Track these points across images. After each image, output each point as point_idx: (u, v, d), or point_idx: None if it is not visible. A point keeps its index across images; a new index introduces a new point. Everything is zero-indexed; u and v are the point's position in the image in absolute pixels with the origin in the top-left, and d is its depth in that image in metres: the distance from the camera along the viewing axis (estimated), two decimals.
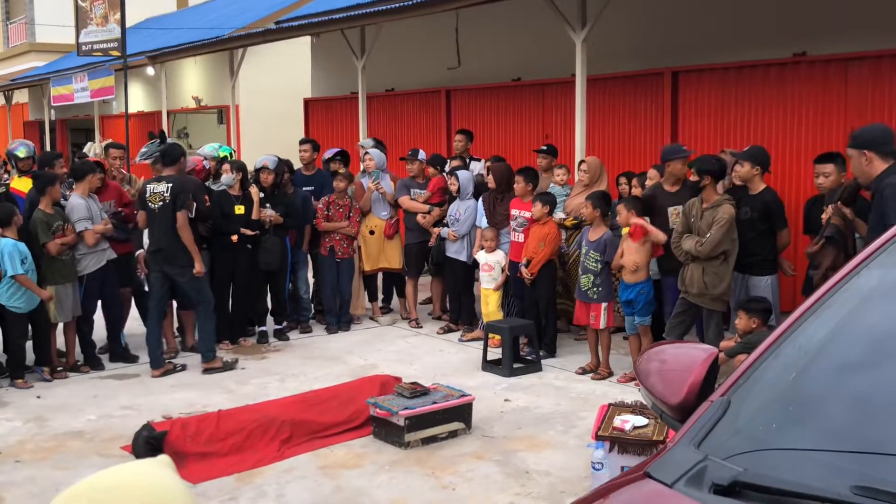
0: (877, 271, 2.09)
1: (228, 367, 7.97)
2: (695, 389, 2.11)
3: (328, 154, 10.36)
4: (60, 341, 8.07)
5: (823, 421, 1.86)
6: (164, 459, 1.47)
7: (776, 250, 7.00)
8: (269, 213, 8.62)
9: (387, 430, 6.04)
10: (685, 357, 2.27)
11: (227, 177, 8.53)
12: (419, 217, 9.30)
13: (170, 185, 7.68)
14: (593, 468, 5.02)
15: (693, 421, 1.96)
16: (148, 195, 7.74)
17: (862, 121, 8.20)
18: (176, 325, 8.79)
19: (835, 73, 8.46)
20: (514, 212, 8.34)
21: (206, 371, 7.86)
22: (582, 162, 8.69)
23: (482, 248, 8.54)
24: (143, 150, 8.53)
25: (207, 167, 8.93)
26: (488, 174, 8.87)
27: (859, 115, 8.24)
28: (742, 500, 1.68)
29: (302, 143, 10.15)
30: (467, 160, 10.27)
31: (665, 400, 2.16)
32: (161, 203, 7.66)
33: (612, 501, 1.88)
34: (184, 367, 7.98)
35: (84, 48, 16.56)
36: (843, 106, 8.37)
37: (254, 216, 8.51)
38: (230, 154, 9.44)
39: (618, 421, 5.20)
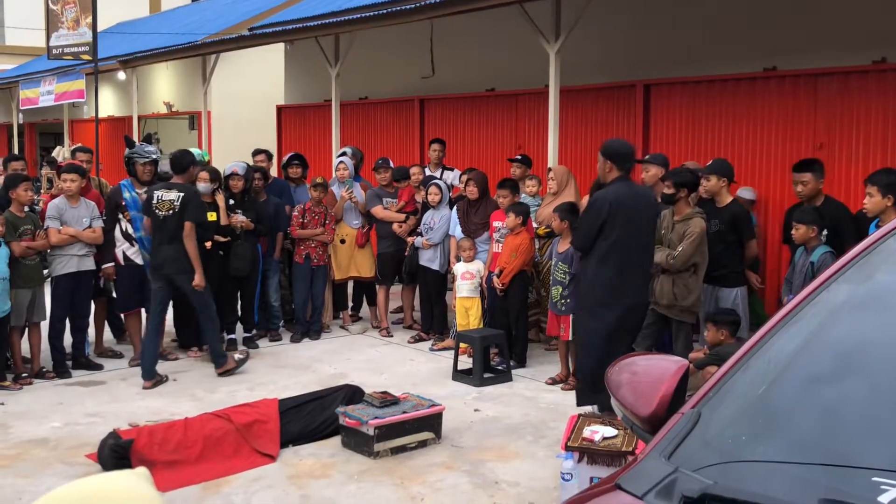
0: (845, 286, 2.11)
1: (242, 362, 8.02)
2: (665, 401, 2.11)
3: (285, 159, 10.34)
4: (25, 347, 7.95)
5: (792, 434, 1.87)
6: (141, 472, 1.43)
7: (744, 262, 7.07)
8: (240, 219, 8.57)
9: (356, 440, 6.01)
10: (656, 369, 2.27)
11: (205, 185, 8.43)
12: (395, 226, 9.29)
13: (181, 194, 7.65)
14: (563, 479, 5.02)
15: (664, 433, 1.96)
16: (156, 202, 7.66)
17: (830, 135, 8.32)
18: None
19: (804, 88, 8.56)
20: (496, 223, 8.36)
21: (223, 374, 7.86)
22: (549, 170, 8.74)
23: (459, 259, 8.53)
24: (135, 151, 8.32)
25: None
26: (466, 185, 8.87)
27: (827, 129, 8.35)
28: None
29: (257, 153, 10.17)
30: (441, 170, 10.29)
31: (636, 411, 2.16)
32: (171, 212, 7.61)
33: None
34: (174, 380, 7.85)
35: (55, 52, 16.38)
36: (813, 120, 8.47)
37: (222, 222, 8.45)
38: (205, 160, 9.40)
39: (587, 431, 5.20)
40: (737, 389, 2.00)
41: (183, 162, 7.92)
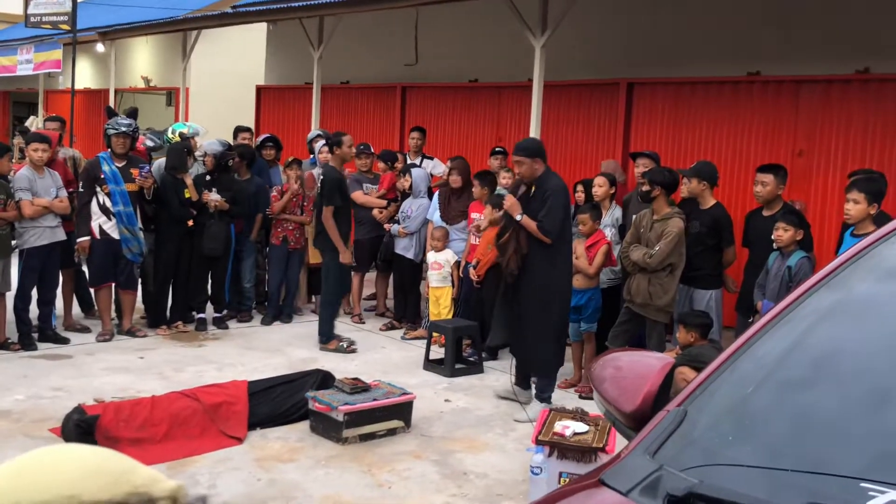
0: (836, 290, 2.09)
1: (342, 350, 8.14)
2: (650, 398, 2.09)
3: (259, 140, 10.26)
4: None
5: (779, 436, 1.85)
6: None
7: (721, 265, 7.08)
8: (213, 197, 8.46)
9: (325, 425, 5.97)
10: (640, 365, 2.25)
11: (197, 164, 8.52)
12: (375, 212, 9.23)
13: (321, 177, 8.19)
14: (532, 472, 5.00)
15: (648, 430, 1.93)
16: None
17: (810, 141, 8.36)
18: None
19: (787, 95, 8.59)
20: (473, 215, 8.33)
21: (323, 349, 8.19)
22: None
23: (433, 248, 8.51)
24: (130, 126, 8.20)
25: (149, 146, 8.79)
26: (449, 173, 8.83)
27: (808, 135, 8.39)
28: None
29: (241, 130, 10.09)
30: (421, 158, 10.23)
31: (619, 407, 2.13)
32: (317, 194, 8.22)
33: None
34: (141, 357, 7.73)
35: (32, 20, 16.10)
36: (793, 126, 8.51)
37: (193, 197, 8.36)
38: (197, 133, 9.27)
39: (558, 426, 5.19)
40: (724, 389, 1.98)
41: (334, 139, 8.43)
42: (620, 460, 1.91)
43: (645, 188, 6.86)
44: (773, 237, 6.27)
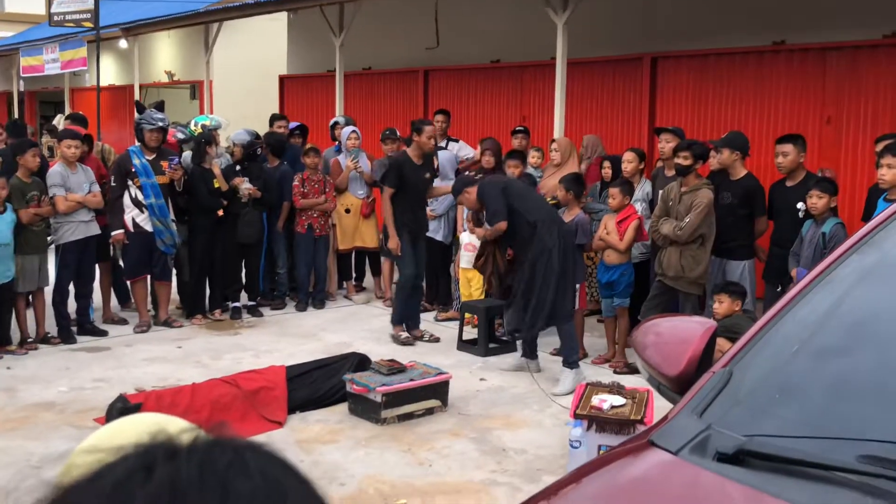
0: (879, 247, 2.11)
1: (398, 341, 7.94)
2: (694, 361, 2.11)
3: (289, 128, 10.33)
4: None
5: (824, 395, 1.87)
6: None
7: (753, 236, 7.06)
8: (247, 186, 8.55)
9: (363, 406, 6.03)
10: (682, 330, 2.28)
11: (225, 156, 8.61)
12: None
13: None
14: (571, 446, 5.04)
15: (695, 391, 1.96)
16: None
17: (838, 109, 8.29)
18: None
19: (813, 62, 8.52)
20: None
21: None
22: (553, 142, 8.72)
23: (465, 229, 8.53)
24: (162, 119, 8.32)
25: (180, 138, 8.88)
26: (482, 154, 8.84)
27: (836, 103, 8.33)
28: (747, 468, 1.68)
29: (277, 118, 10.12)
30: (446, 141, 10.24)
31: (663, 371, 2.16)
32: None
33: (618, 467, 1.89)
34: (179, 347, 7.85)
35: (56, 18, 16.25)
36: (821, 94, 8.44)
37: (223, 187, 8.44)
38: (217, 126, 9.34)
39: (595, 400, 5.22)
40: (768, 350, 2.01)
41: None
42: (668, 421, 1.94)
43: (686, 161, 6.77)
44: (805, 206, 6.25)
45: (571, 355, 6.83)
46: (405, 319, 8.12)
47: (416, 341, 8.02)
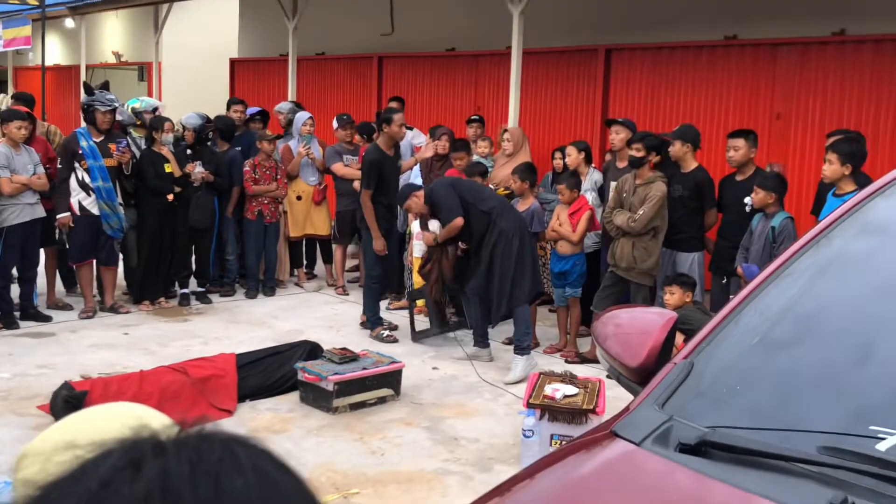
0: (837, 241, 2.13)
1: (381, 339, 7.66)
2: (654, 352, 2.12)
3: (248, 113, 10.19)
4: None
5: (785, 385, 1.89)
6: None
7: (703, 228, 7.14)
8: (199, 170, 8.42)
9: (314, 395, 5.99)
10: (642, 321, 2.28)
11: (168, 136, 8.39)
12: (356, 184, 9.18)
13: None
14: (524, 435, 5.06)
15: (656, 382, 1.97)
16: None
17: (788, 104, 8.41)
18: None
19: (764, 57, 8.63)
20: None
21: (371, 337, 7.73)
22: (504, 131, 8.73)
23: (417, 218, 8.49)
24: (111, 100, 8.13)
25: (122, 120, 8.72)
26: (439, 139, 8.80)
27: (785, 98, 8.44)
28: (708, 459, 1.69)
29: (234, 103, 9.98)
30: None
31: (624, 362, 2.17)
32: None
33: (582, 457, 1.88)
34: (125, 333, 7.70)
35: None
36: (771, 89, 8.56)
37: (176, 173, 8.30)
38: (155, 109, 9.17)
39: (548, 389, 5.24)
40: (729, 341, 2.02)
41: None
42: (630, 412, 1.94)
43: (639, 153, 6.82)
44: (750, 200, 6.37)
45: (524, 340, 6.85)
46: (378, 317, 8.00)
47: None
